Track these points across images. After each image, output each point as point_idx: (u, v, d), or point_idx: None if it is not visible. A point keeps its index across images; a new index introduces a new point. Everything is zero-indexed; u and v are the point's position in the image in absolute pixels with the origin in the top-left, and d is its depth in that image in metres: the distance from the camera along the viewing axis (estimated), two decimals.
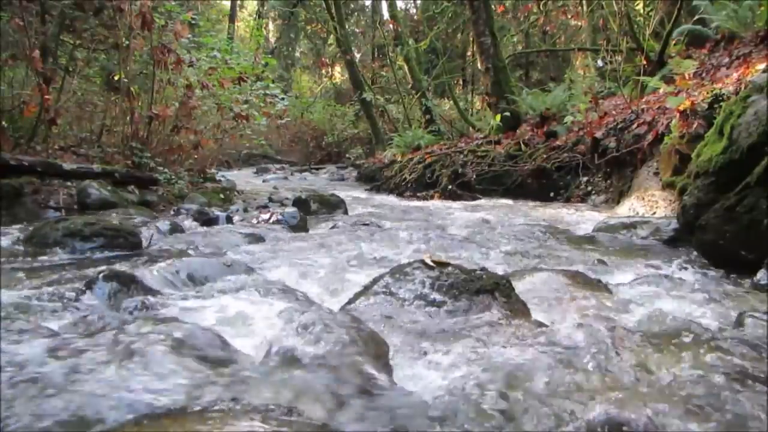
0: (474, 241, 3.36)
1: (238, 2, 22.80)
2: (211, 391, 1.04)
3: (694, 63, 6.19)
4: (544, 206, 5.95)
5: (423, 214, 5.38)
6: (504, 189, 7.21)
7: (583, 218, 4.78)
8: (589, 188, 6.39)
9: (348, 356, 1.22)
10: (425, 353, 1.35)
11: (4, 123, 5.12)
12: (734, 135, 2.54)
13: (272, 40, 25.69)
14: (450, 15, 16.71)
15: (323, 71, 25.52)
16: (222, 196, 6.05)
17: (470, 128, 11.54)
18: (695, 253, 2.65)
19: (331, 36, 18.83)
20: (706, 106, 4.45)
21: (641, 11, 11.85)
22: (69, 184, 4.40)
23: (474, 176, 7.46)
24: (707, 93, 4.66)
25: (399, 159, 9.82)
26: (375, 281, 1.79)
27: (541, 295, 1.89)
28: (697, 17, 7.62)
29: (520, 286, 1.88)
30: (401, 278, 1.74)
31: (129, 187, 4.85)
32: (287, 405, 0.98)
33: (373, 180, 10.04)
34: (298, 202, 5.27)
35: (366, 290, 1.77)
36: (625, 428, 0.95)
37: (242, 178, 10.62)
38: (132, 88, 5.77)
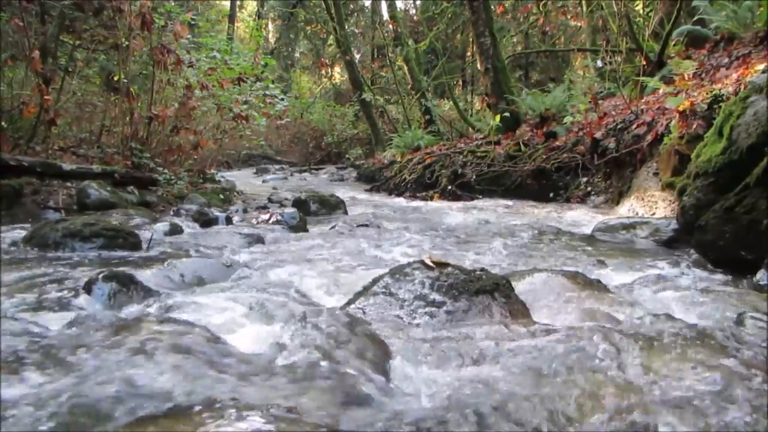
0: (474, 242, 3.36)
1: (238, 3, 22.81)
2: (210, 391, 1.04)
3: (694, 63, 6.19)
4: (543, 207, 5.95)
5: (422, 215, 5.38)
6: (503, 189, 7.21)
7: (583, 219, 4.78)
8: (589, 189, 6.39)
9: (347, 357, 1.22)
10: (424, 354, 1.35)
11: (3, 123, 5.12)
12: (734, 135, 2.54)
13: (272, 40, 25.70)
14: (449, 15, 16.71)
15: (323, 72, 25.51)
16: (221, 196, 6.05)
17: (470, 129, 11.54)
18: (695, 253, 2.65)
19: (331, 36, 18.83)
20: (705, 106, 4.45)
21: (641, 12, 11.85)
22: (68, 184, 4.40)
23: (473, 177, 7.46)
24: (707, 93, 4.66)
25: (398, 159, 9.83)
26: (374, 281, 1.79)
27: (541, 295, 1.89)
28: (696, 18, 7.62)
29: (519, 287, 1.88)
30: (401, 279, 1.74)
31: (128, 188, 4.85)
32: (287, 405, 0.98)
33: (373, 180, 10.04)
34: (298, 203, 5.27)
35: (365, 291, 1.77)
36: (625, 429, 0.95)
37: (242, 178, 10.62)
38: (131, 89, 5.77)
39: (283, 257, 2.83)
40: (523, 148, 7.47)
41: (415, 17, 20.82)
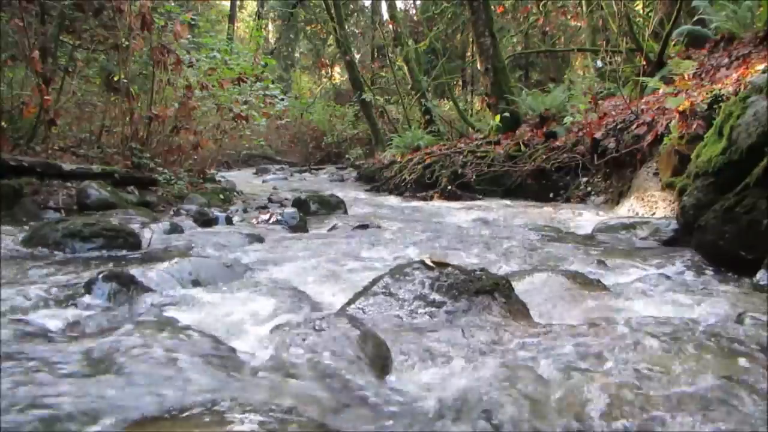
0: (473, 242, 3.36)
1: (238, 3, 22.81)
2: (210, 391, 1.04)
3: (694, 63, 6.19)
4: (543, 207, 5.95)
5: (422, 215, 5.38)
6: (503, 189, 7.21)
7: (583, 219, 4.78)
8: (589, 189, 6.39)
9: (347, 357, 1.22)
10: (424, 354, 1.35)
11: (3, 123, 5.12)
12: (734, 136, 2.54)
13: (272, 40, 25.69)
14: (449, 16, 16.70)
15: (323, 72, 25.52)
16: (221, 196, 6.05)
17: (470, 129, 11.53)
18: (695, 253, 2.65)
19: (331, 37, 18.83)
20: (705, 106, 4.45)
21: (641, 12, 11.85)
22: (68, 184, 4.40)
23: (473, 177, 7.45)
24: (707, 94, 4.66)
25: (398, 159, 9.82)
26: (374, 282, 1.79)
27: (541, 295, 1.89)
28: (696, 18, 7.62)
29: (519, 287, 1.88)
30: (401, 279, 1.74)
31: (128, 188, 4.85)
32: (287, 405, 0.98)
33: (373, 180, 10.04)
34: (298, 203, 5.27)
35: (365, 291, 1.77)
36: (625, 429, 0.95)
37: (242, 178, 10.61)
38: (131, 89, 5.77)
39: (283, 257, 2.82)
40: (523, 148, 7.47)
41: (415, 17, 20.79)
